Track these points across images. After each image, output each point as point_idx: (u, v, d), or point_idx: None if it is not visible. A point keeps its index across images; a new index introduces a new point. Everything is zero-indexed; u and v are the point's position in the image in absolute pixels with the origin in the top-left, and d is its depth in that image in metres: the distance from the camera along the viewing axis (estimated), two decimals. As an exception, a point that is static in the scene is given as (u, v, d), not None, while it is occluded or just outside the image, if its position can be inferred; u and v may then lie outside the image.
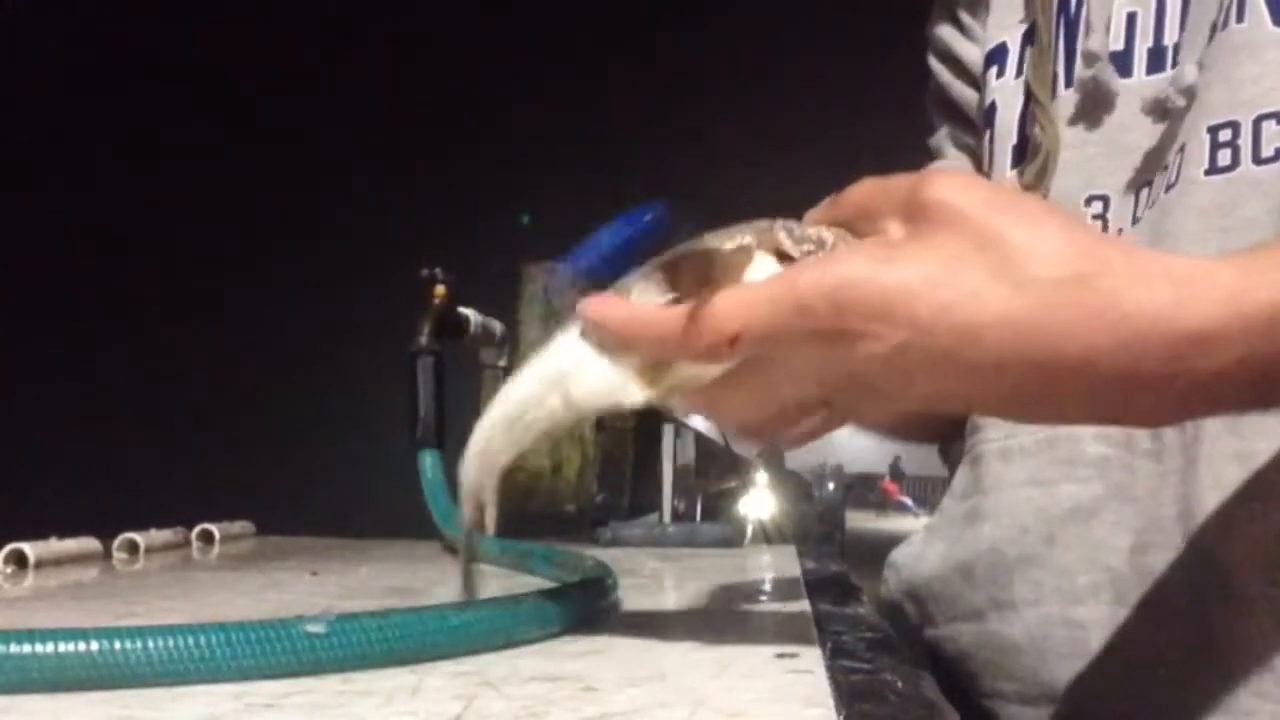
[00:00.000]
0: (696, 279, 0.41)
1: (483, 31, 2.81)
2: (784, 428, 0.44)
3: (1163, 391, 0.39)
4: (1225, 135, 0.56)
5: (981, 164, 0.76)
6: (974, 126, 0.76)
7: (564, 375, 0.45)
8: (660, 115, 2.65)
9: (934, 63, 0.79)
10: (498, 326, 1.29)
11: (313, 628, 0.41)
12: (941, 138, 0.80)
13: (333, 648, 0.41)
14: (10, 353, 2.65)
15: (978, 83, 0.75)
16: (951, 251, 0.38)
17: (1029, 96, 0.67)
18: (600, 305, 0.42)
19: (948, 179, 0.40)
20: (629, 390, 0.43)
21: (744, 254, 0.41)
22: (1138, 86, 0.61)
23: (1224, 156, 0.56)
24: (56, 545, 0.80)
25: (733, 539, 1.02)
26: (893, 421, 0.76)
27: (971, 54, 0.75)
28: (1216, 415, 0.50)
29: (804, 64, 2.41)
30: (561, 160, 2.45)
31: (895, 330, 0.37)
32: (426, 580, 0.76)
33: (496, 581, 0.76)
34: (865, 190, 0.41)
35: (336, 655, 0.41)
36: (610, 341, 0.43)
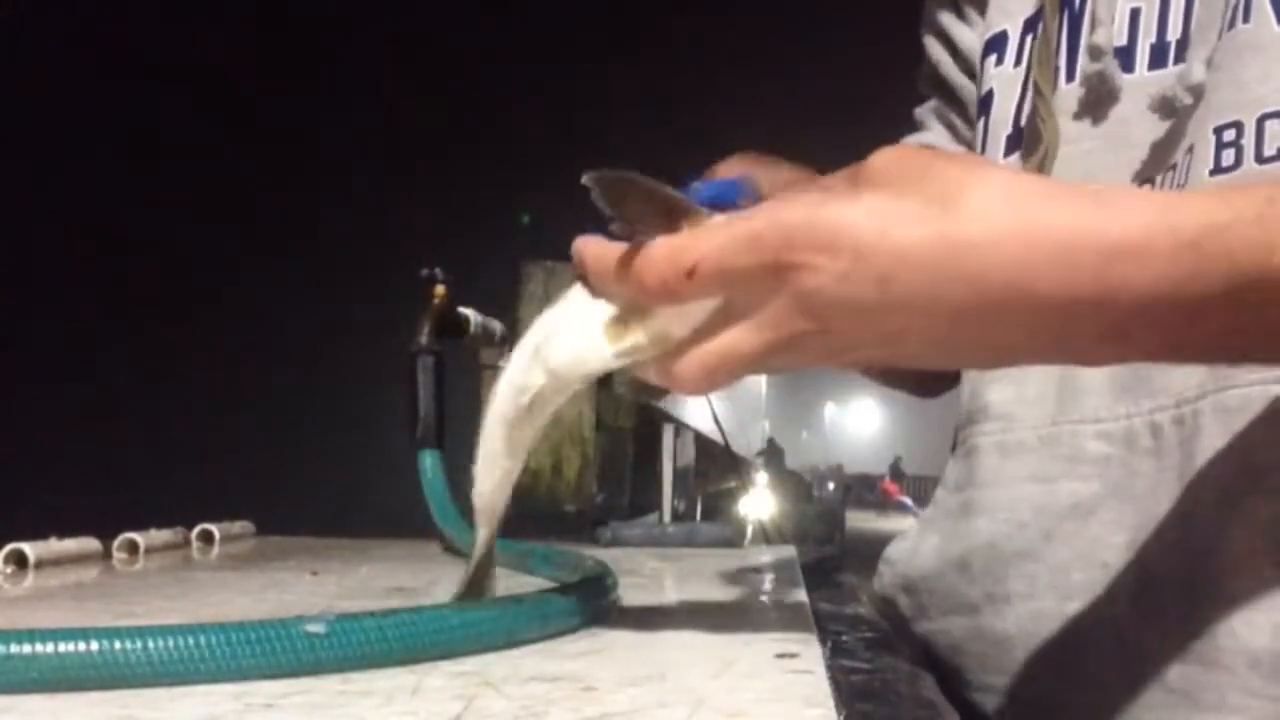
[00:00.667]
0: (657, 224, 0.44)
1: (483, 32, 2.81)
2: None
3: (1100, 313, 0.39)
4: (1230, 135, 0.56)
5: (970, 145, 0.76)
6: (961, 105, 0.77)
7: (539, 346, 0.46)
8: (661, 116, 2.66)
9: (928, 40, 0.79)
10: (498, 326, 1.29)
11: (313, 628, 0.41)
12: (926, 110, 0.81)
13: (333, 648, 0.41)
14: (10, 353, 2.65)
15: (970, 67, 0.75)
16: (890, 189, 0.40)
17: (1026, 87, 0.67)
18: (581, 241, 0.45)
19: (887, 148, 0.42)
20: (600, 349, 0.45)
21: (702, 215, 0.43)
22: (1140, 82, 0.61)
23: (1228, 156, 0.55)
24: (56, 545, 0.80)
25: (733, 539, 1.02)
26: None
27: (966, 39, 0.75)
28: (1168, 358, 0.50)
29: (805, 64, 2.41)
30: (561, 160, 2.45)
31: (838, 258, 0.39)
32: (426, 580, 0.76)
33: (497, 581, 0.76)
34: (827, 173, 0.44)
35: (336, 655, 0.41)
36: (590, 277, 0.45)
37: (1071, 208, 0.39)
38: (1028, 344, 0.42)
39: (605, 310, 0.45)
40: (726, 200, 0.47)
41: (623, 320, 0.44)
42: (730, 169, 0.62)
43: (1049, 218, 0.39)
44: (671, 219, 0.43)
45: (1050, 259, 0.38)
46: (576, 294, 0.46)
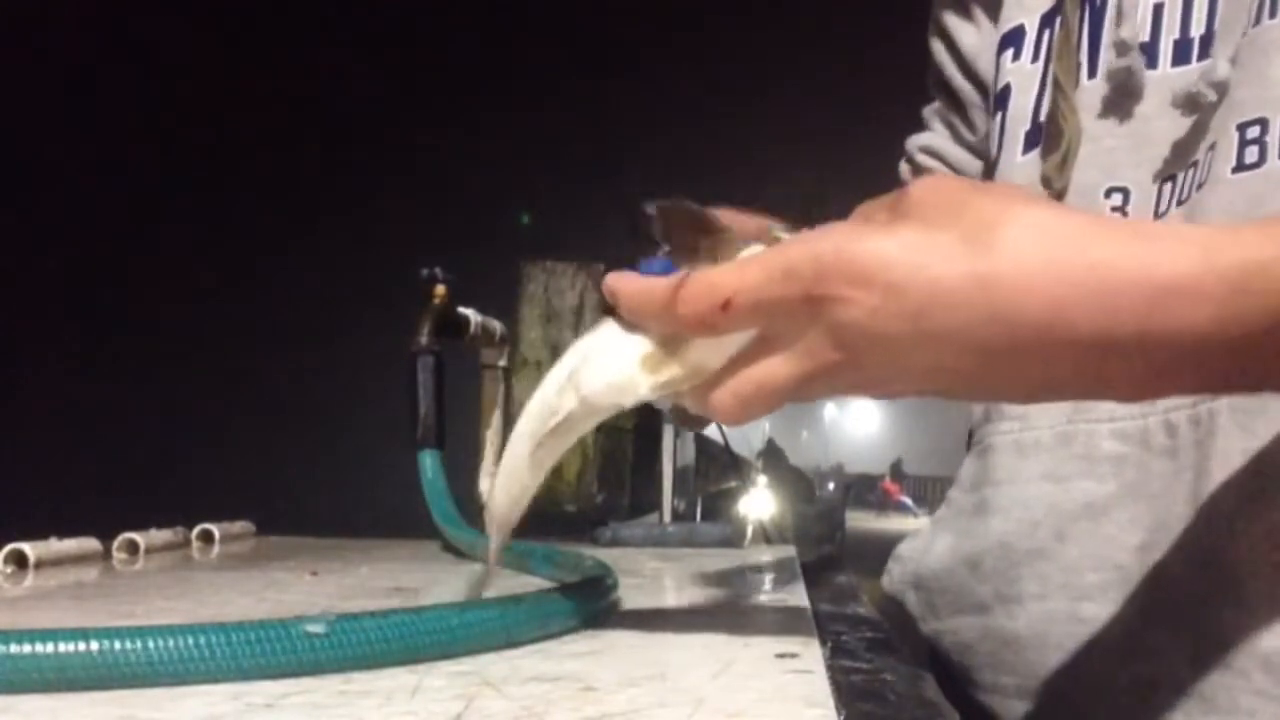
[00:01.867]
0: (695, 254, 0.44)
1: (483, 32, 2.81)
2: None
3: (1140, 353, 0.38)
4: (1254, 132, 0.55)
5: (971, 148, 0.76)
6: (961, 107, 0.77)
7: (574, 373, 0.46)
8: (661, 116, 2.66)
9: (933, 41, 0.79)
10: (498, 326, 1.29)
11: (313, 628, 0.41)
12: (931, 111, 0.81)
13: (333, 648, 0.41)
14: (10, 353, 2.65)
15: (971, 70, 0.75)
16: (926, 222, 0.40)
17: (1044, 83, 0.66)
18: (614, 277, 0.45)
19: (922, 179, 0.42)
20: (636, 380, 0.45)
21: (734, 235, 0.44)
22: (1163, 79, 0.60)
23: (1251, 153, 0.55)
24: (56, 545, 0.80)
25: (733, 539, 1.02)
26: None
27: (969, 40, 0.75)
28: (1204, 391, 0.49)
29: (806, 65, 2.41)
30: (562, 160, 2.45)
31: (871, 291, 0.39)
32: (426, 580, 0.76)
33: (497, 581, 0.76)
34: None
35: (336, 655, 0.41)
36: (625, 312, 0.45)
37: (1113, 246, 0.38)
38: (1065, 382, 0.42)
39: (640, 342, 0.45)
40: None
41: (659, 352, 0.44)
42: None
43: (1090, 256, 0.38)
44: (713, 250, 0.43)
45: (1091, 298, 0.38)
46: (610, 324, 0.46)
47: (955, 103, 0.77)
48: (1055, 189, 0.63)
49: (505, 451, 0.49)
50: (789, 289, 0.40)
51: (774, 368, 0.42)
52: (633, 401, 0.45)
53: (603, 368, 0.45)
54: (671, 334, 0.44)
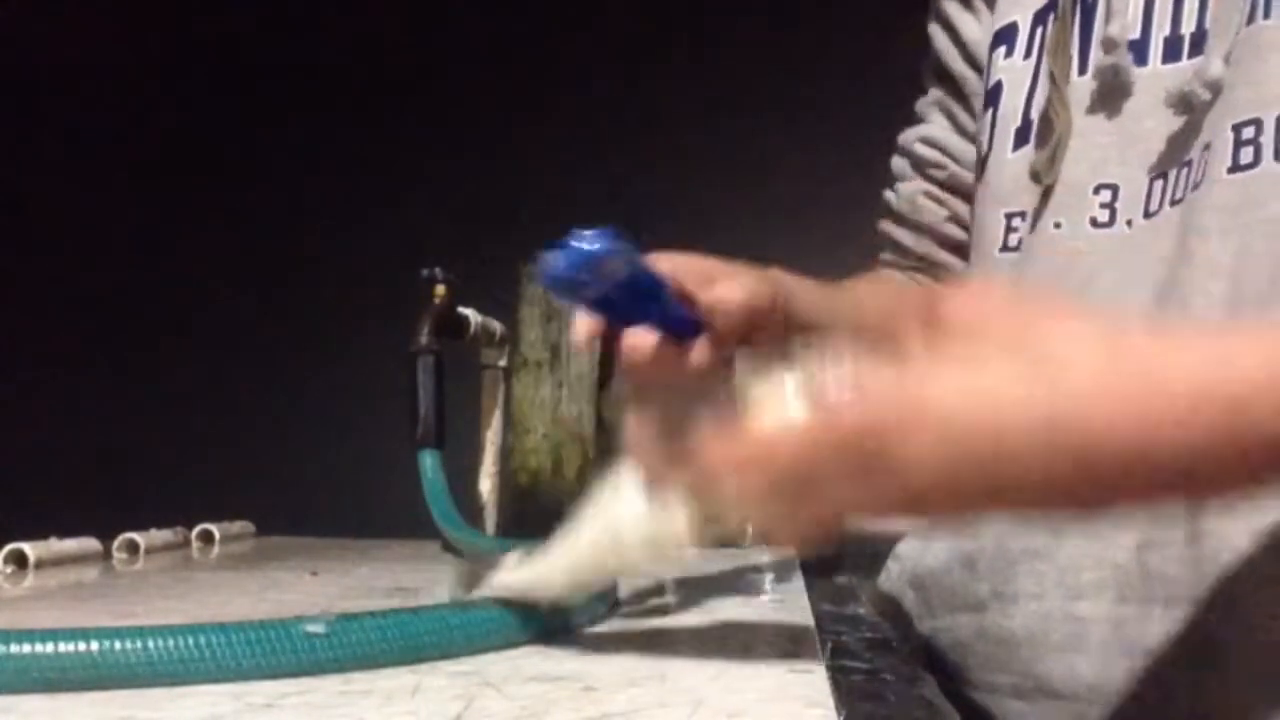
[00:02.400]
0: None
1: (483, 31, 2.81)
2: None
3: (1228, 461, 0.36)
4: (1249, 132, 0.55)
5: (971, 137, 0.75)
6: (964, 97, 0.76)
7: (615, 539, 0.44)
8: (661, 116, 2.66)
9: (933, 30, 0.78)
10: (498, 326, 1.29)
11: (313, 628, 0.41)
12: (927, 104, 0.80)
13: (332, 648, 0.41)
14: (10, 353, 2.64)
15: (974, 59, 0.74)
16: (975, 356, 0.37)
17: (1036, 80, 0.66)
18: (639, 447, 0.42)
19: (962, 292, 0.39)
20: (681, 539, 0.43)
21: (777, 392, 0.39)
22: (1154, 76, 0.60)
23: (1246, 154, 0.55)
24: (56, 545, 0.80)
25: (733, 539, 1.02)
26: None
27: (972, 30, 0.74)
28: None
29: (806, 66, 2.41)
30: (562, 160, 2.45)
31: (933, 444, 0.36)
32: (426, 580, 0.76)
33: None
34: (886, 310, 0.41)
35: (337, 655, 0.41)
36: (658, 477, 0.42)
37: (1185, 358, 0.36)
38: (1140, 500, 0.40)
39: (676, 503, 0.43)
40: (604, 254, 0.41)
41: (698, 510, 0.42)
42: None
43: (1164, 373, 0.36)
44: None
45: (1171, 418, 0.35)
46: (634, 484, 0.44)
47: (956, 91, 0.77)
48: (1044, 184, 0.63)
49: (556, 548, 0.47)
50: (842, 454, 0.37)
51: (829, 508, 0.39)
52: (680, 553, 0.43)
53: (642, 535, 0.44)
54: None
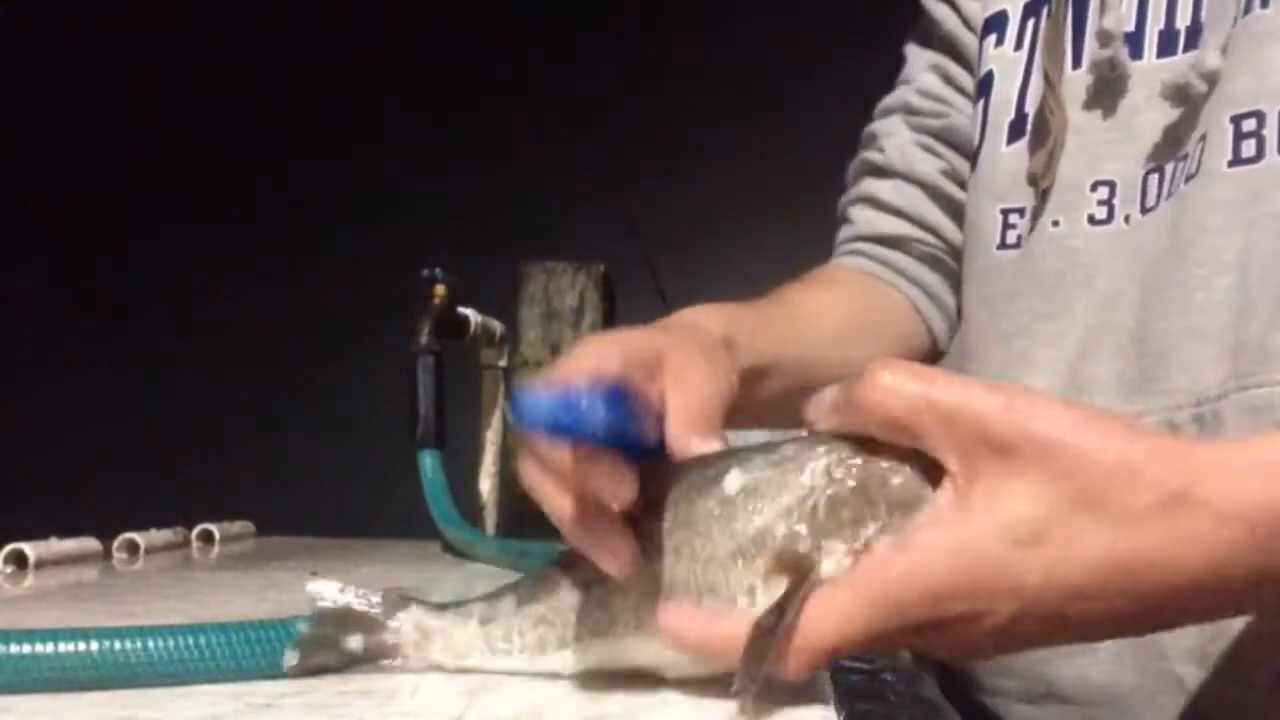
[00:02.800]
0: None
1: (484, 31, 2.81)
2: None
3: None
4: (1250, 125, 0.53)
5: (965, 92, 0.72)
6: (964, 60, 0.72)
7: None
8: (661, 115, 2.66)
9: (929, 3, 0.74)
10: (498, 326, 1.29)
11: (305, 626, 0.41)
12: (917, 68, 0.75)
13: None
14: (10, 353, 2.64)
15: (975, 28, 0.71)
16: (1031, 500, 0.34)
17: (1029, 72, 0.64)
18: (675, 619, 0.37)
19: (996, 411, 0.35)
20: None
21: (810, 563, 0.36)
22: (1149, 69, 0.59)
23: (1248, 147, 0.53)
24: (56, 545, 0.80)
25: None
26: None
27: (972, 8, 0.71)
28: None
29: (806, 63, 2.41)
30: (562, 160, 2.45)
31: (1003, 605, 0.35)
32: (426, 580, 0.76)
33: (497, 581, 0.76)
34: (898, 405, 0.36)
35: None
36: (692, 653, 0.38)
37: (1252, 480, 0.33)
38: (1217, 615, 0.39)
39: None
40: (618, 414, 0.36)
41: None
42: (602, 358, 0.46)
43: (1219, 511, 0.33)
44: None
45: (1237, 548, 0.34)
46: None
47: (955, 53, 0.73)
48: (1041, 187, 0.61)
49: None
50: (902, 622, 0.35)
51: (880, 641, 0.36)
52: None
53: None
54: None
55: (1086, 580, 0.34)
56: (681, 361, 0.46)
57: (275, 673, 0.40)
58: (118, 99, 2.88)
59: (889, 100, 0.76)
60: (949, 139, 0.73)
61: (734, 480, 0.38)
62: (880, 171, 0.75)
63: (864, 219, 0.76)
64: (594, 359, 0.44)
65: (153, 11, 2.85)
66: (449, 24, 2.84)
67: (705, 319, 0.56)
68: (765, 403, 0.62)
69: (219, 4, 2.86)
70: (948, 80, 0.74)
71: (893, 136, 0.75)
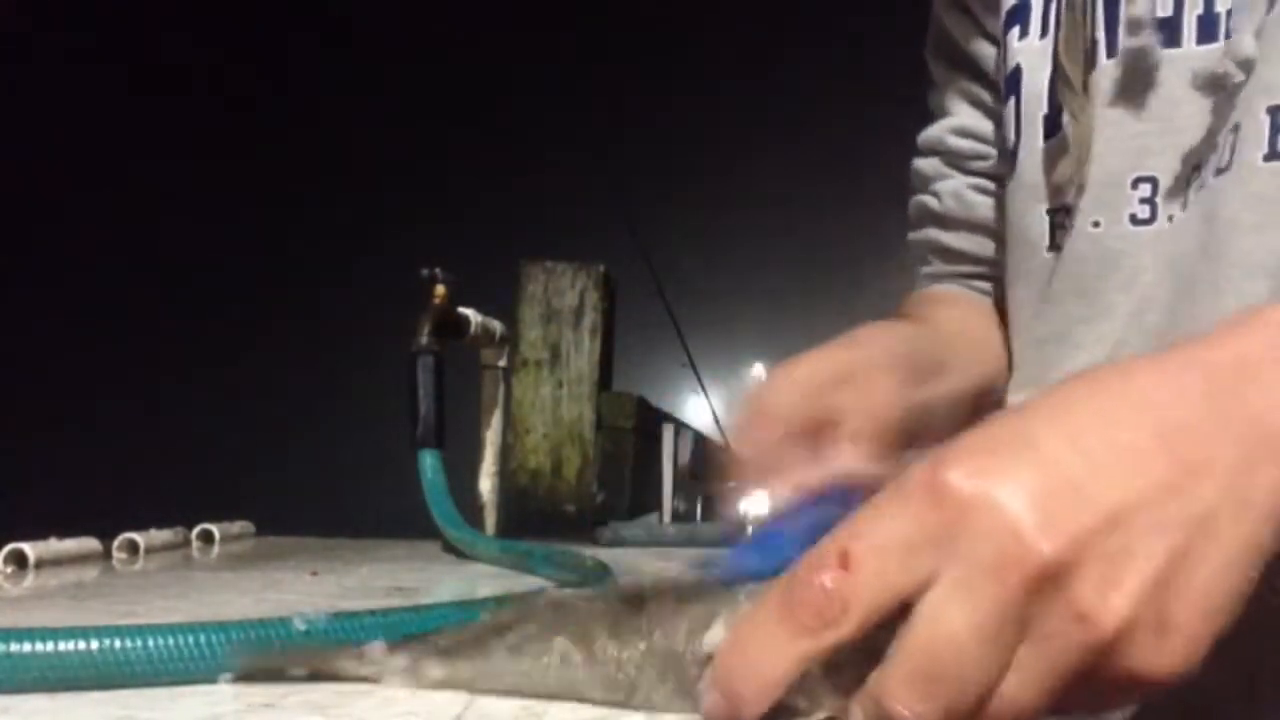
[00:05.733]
0: None
1: (484, 32, 2.81)
2: None
3: None
4: None
5: (999, 121, 0.68)
6: (986, 78, 0.70)
7: None
8: (662, 115, 2.66)
9: (945, 13, 0.71)
10: (498, 326, 1.29)
11: (300, 624, 0.41)
12: (946, 94, 0.73)
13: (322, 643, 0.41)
14: (10, 353, 2.65)
15: (993, 37, 0.68)
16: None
17: (1056, 59, 0.60)
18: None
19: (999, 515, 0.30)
20: None
21: None
22: (1187, 57, 0.55)
23: None
24: (56, 545, 0.80)
25: (733, 538, 1.02)
26: None
27: (988, 19, 0.68)
28: None
29: (806, 64, 2.41)
30: (562, 160, 2.45)
31: (1018, 453, 0.31)
32: (426, 580, 0.76)
33: (497, 581, 0.76)
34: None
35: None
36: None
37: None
38: None
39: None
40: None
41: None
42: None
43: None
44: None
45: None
46: None
47: (978, 72, 0.70)
48: (1068, 199, 0.59)
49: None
50: (914, 508, 0.30)
51: (942, 624, 0.30)
52: None
53: None
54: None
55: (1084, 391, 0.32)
56: (866, 381, 0.49)
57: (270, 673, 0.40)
58: (122, 102, 2.88)
59: (930, 135, 0.74)
60: (998, 176, 0.71)
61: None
62: (941, 220, 0.74)
63: (938, 264, 0.75)
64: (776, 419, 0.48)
65: (158, 12, 2.85)
66: (450, 24, 2.84)
67: (887, 338, 0.58)
68: (946, 410, 0.62)
69: (224, 8, 2.86)
70: (978, 106, 0.71)
71: (945, 181, 0.73)
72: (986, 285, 0.74)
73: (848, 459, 0.49)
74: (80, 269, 2.67)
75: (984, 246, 0.73)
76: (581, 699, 0.38)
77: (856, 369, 0.52)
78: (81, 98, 2.85)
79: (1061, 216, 0.61)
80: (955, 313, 0.72)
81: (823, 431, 0.51)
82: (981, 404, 0.34)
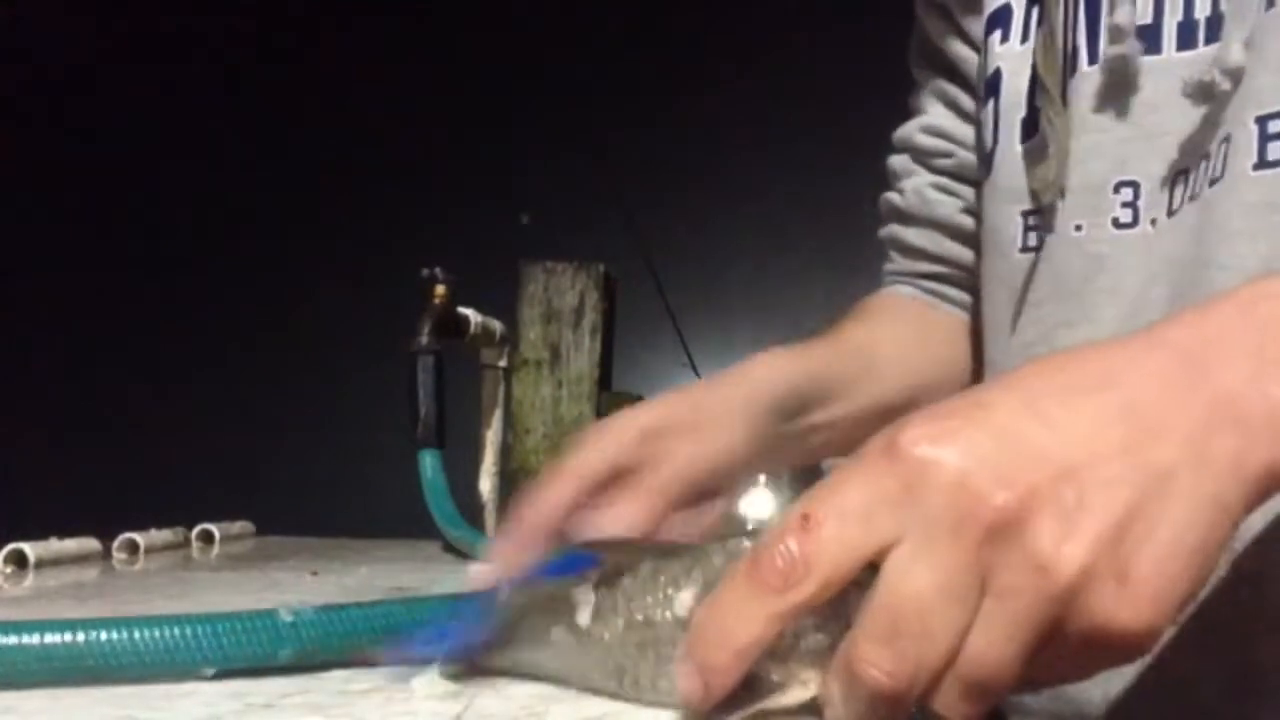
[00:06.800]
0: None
1: (483, 31, 2.81)
2: None
3: None
4: (1276, 126, 0.50)
5: (977, 123, 0.69)
6: (964, 80, 0.70)
7: None
8: (662, 116, 2.66)
9: (925, 16, 0.72)
10: (498, 326, 1.29)
11: (286, 615, 0.41)
12: (923, 94, 0.74)
13: (301, 639, 0.41)
14: (10, 353, 2.64)
15: (973, 42, 0.69)
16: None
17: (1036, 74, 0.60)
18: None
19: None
20: None
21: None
22: (1168, 65, 0.55)
23: (1275, 149, 0.50)
24: (56, 545, 0.80)
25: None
26: None
27: (969, 22, 0.69)
28: None
29: (806, 64, 2.41)
30: (561, 161, 2.45)
31: (971, 416, 0.32)
32: (426, 580, 0.76)
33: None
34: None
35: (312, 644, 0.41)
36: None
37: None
38: None
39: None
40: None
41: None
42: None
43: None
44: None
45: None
46: None
47: (955, 74, 0.71)
48: (1044, 204, 0.59)
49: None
50: (872, 473, 0.31)
51: (905, 583, 0.30)
52: None
53: None
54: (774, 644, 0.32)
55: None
56: (711, 424, 0.50)
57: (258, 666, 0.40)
58: (119, 97, 2.88)
59: (902, 132, 0.75)
60: (962, 176, 0.72)
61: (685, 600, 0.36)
62: (903, 216, 0.75)
63: (899, 260, 0.77)
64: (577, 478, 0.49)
65: (158, 12, 2.85)
66: (450, 25, 2.84)
67: (766, 370, 0.59)
68: (840, 432, 0.64)
69: (223, 7, 2.86)
70: (952, 106, 0.72)
71: (910, 178, 0.74)
72: (942, 287, 0.75)
73: (621, 514, 0.50)
74: (80, 269, 2.67)
75: (940, 245, 0.74)
76: (589, 687, 0.39)
77: (702, 414, 0.53)
78: (81, 98, 2.85)
79: (1035, 219, 0.61)
80: (878, 328, 0.73)
81: (624, 482, 0.52)
82: (893, 419, 0.34)
